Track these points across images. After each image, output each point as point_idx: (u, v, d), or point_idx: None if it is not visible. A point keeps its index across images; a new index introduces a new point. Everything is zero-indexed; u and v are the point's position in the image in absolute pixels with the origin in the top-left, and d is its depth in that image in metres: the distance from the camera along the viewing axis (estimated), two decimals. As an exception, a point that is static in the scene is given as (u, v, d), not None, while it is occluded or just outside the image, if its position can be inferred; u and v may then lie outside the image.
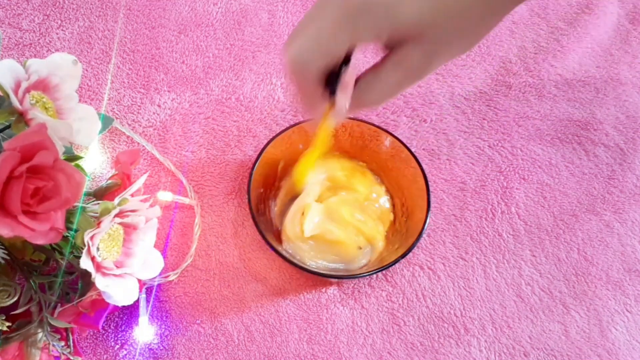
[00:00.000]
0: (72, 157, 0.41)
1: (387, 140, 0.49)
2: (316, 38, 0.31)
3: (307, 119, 0.38)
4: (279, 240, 0.48)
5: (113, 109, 0.56)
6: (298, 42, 0.32)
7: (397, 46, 0.31)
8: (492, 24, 0.31)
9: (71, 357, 0.40)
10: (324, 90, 0.34)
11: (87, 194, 0.42)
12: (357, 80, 0.34)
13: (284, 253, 0.44)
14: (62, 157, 0.35)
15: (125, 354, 0.46)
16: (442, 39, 0.31)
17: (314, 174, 0.49)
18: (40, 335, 0.38)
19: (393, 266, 0.49)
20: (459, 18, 0.30)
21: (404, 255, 0.43)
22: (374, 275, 0.49)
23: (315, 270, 0.44)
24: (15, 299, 0.37)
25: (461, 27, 0.30)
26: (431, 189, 0.45)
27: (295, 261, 0.44)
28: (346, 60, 0.33)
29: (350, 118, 0.49)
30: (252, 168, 0.46)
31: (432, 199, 0.52)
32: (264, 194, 0.49)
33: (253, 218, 0.44)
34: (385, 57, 0.33)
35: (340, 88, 0.33)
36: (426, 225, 0.44)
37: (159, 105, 0.57)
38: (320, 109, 0.36)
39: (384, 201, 0.49)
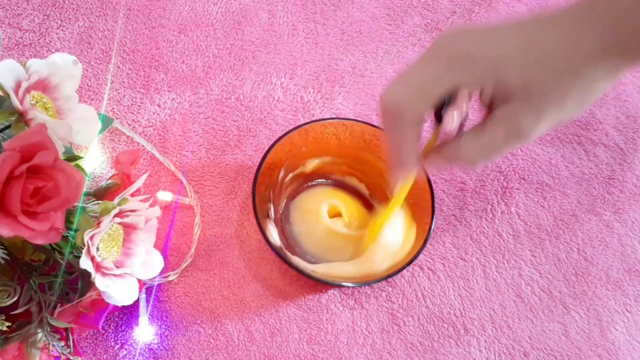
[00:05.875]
0: (72, 157, 0.41)
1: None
2: (416, 81, 0.31)
3: (394, 172, 0.37)
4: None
5: (113, 109, 0.56)
6: (397, 86, 0.31)
7: (503, 102, 0.30)
8: (599, 91, 0.30)
9: (71, 357, 0.40)
10: (416, 134, 0.33)
11: (87, 194, 0.42)
12: (457, 136, 0.33)
13: (284, 255, 0.44)
14: (62, 157, 0.35)
15: (125, 354, 0.46)
16: (551, 99, 0.30)
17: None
18: (40, 335, 0.38)
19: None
20: (568, 77, 0.29)
21: (410, 262, 0.43)
22: (374, 275, 0.49)
23: (316, 275, 0.44)
24: (15, 299, 0.37)
25: (568, 92, 0.29)
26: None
27: (295, 264, 0.44)
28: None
29: (350, 119, 0.49)
30: (257, 171, 0.46)
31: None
32: (266, 196, 0.49)
33: (258, 221, 0.44)
34: (490, 114, 0.32)
35: (450, 110, 0.32)
36: (431, 230, 0.44)
37: (159, 105, 0.57)
38: (411, 157, 0.34)
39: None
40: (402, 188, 0.41)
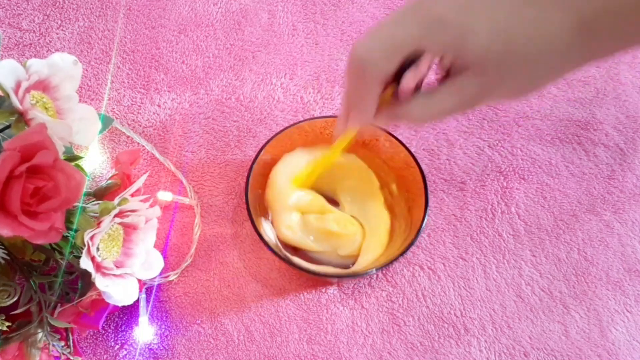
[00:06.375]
0: (72, 157, 0.41)
1: (387, 141, 0.49)
2: (387, 39, 0.32)
3: (347, 121, 0.39)
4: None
5: (113, 109, 0.56)
6: (369, 41, 0.32)
7: (458, 72, 0.31)
8: (555, 78, 0.31)
9: (71, 357, 0.40)
10: (379, 90, 0.34)
11: (87, 194, 0.42)
12: (411, 95, 0.35)
13: (282, 254, 0.44)
14: (62, 157, 0.35)
15: (125, 354, 0.46)
16: (502, 78, 0.31)
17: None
18: (40, 335, 0.38)
19: (393, 266, 0.49)
20: (524, 64, 0.30)
21: (402, 254, 0.43)
22: (374, 275, 0.49)
23: (314, 270, 0.44)
24: (15, 299, 0.37)
25: (524, 73, 0.30)
26: (431, 189, 0.45)
27: (293, 262, 0.44)
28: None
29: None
30: (250, 169, 0.46)
31: (433, 199, 0.52)
32: (263, 194, 0.49)
33: (251, 219, 0.44)
34: (443, 81, 0.33)
35: (412, 70, 0.33)
36: (424, 225, 0.44)
37: (159, 105, 0.57)
38: (370, 110, 0.36)
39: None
40: (343, 138, 0.42)
